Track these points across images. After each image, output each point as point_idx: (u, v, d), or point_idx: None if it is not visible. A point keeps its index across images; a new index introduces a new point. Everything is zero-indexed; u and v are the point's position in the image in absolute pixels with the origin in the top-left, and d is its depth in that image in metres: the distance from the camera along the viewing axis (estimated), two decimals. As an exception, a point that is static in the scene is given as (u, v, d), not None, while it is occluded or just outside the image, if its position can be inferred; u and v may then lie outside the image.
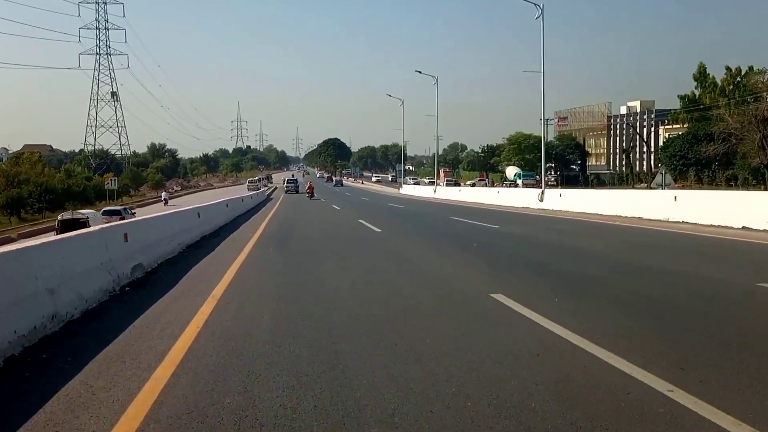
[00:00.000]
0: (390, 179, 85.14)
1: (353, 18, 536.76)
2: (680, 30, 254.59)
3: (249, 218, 25.91)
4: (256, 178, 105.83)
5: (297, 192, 66.33)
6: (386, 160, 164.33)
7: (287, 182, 74.45)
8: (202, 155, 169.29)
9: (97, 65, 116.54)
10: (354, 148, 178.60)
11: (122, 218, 29.94)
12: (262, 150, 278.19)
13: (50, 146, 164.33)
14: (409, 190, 62.71)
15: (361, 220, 22.18)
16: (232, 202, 26.65)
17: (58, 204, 50.67)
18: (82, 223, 24.20)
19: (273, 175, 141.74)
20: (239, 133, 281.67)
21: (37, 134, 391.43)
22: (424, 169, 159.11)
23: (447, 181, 78.65)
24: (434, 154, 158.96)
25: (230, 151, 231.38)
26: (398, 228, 19.49)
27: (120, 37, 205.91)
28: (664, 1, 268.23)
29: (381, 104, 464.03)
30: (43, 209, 48.53)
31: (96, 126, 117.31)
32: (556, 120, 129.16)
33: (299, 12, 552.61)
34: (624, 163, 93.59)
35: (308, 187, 54.47)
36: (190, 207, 17.17)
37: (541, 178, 31.27)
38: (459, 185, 72.55)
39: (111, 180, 56.21)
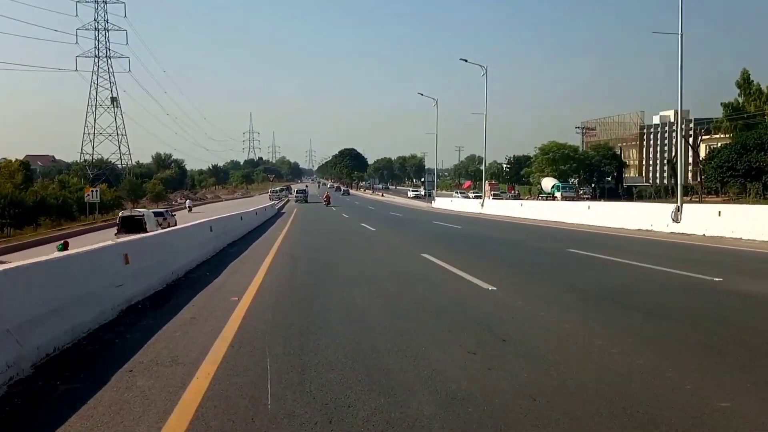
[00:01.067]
0: (423, 193, 75.27)
1: (368, 32, 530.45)
2: (709, 38, 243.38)
3: (245, 249, 16.95)
4: (278, 189, 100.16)
5: (306, 201, 72.34)
6: (404, 171, 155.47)
7: (297, 192, 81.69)
8: (211, 166, 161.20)
9: (95, 68, 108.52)
10: (369, 160, 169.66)
11: (164, 219, 32.22)
12: (274, 162, 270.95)
13: (52, 157, 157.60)
14: (444, 204, 53.31)
15: (427, 256, 13.17)
16: (222, 223, 17.69)
17: (28, 219, 42.08)
18: (138, 221, 25.93)
19: (292, 186, 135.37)
20: (251, 144, 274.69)
21: (40, 144, 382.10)
22: (444, 181, 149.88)
23: (494, 194, 69.36)
24: (455, 165, 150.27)
25: (242, 163, 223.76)
26: (515, 278, 10.23)
27: (121, 39, 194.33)
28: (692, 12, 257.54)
29: (396, 117, 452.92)
30: (7, 225, 39.82)
31: (94, 134, 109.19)
32: (584, 130, 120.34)
33: (313, 24, 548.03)
34: (668, 174, 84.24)
35: (325, 197, 65.06)
36: (102, 245, 8.04)
37: (677, 190, 22.04)
38: (519, 198, 63.10)
39: (92, 192, 47.50)
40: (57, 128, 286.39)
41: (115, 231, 25.57)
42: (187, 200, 75.65)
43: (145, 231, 23.85)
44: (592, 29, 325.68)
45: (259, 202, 60.73)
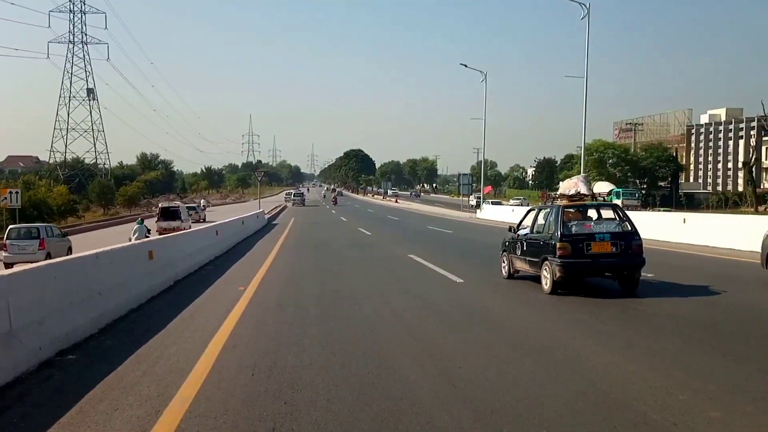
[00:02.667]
0: (476, 203, 57.61)
1: (375, 33, 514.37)
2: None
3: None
4: (292, 191, 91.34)
5: (303, 204, 71.87)
6: (414, 175, 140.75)
7: (294, 195, 78.71)
8: (204, 169, 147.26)
9: (69, 55, 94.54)
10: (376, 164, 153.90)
11: (196, 212, 41.02)
12: (274, 165, 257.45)
13: (36, 158, 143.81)
14: (498, 214, 38.91)
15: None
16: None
17: None
18: (174, 211, 31.11)
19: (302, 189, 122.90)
20: (251, 147, 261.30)
21: (25, 144, 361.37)
22: (455, 186, 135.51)
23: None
24: (471, 169, 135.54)
25: (239, 166, 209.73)
26: None
27: (99, 23, 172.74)
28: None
29: (403, 121, 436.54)
30: None
31: (67, 129, 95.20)
32: (617, 132, 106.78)
33: (315, 27, 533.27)
34: (747, 179, 70.21)
35: (333, 198, 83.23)
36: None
37: None
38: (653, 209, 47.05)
39: (9, 194, 33.62)
40: (34, 126, 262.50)
41: (156, 219, 30.55)
42: (202, 200, 75.92)
43: (180, 219, 29.59)
44: (623, 21, 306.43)
45: (248, 209, 46.74)
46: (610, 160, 72.08)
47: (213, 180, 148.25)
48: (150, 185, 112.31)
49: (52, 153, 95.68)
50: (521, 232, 10.85)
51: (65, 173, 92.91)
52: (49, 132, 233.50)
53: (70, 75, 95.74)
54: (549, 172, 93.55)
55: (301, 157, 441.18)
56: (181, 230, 24.67)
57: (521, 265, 10.63)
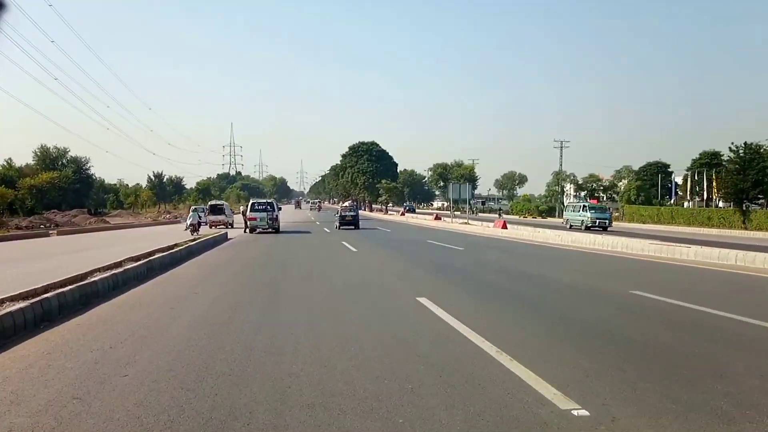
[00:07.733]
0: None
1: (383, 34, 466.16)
2: None
3: None
4: (200, 209, 48.82)
5: (277, 231, 31.76)
6: (444, 187, 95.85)
7: (252, 207, 32.62)
8: (153, 176, 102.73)
9: None
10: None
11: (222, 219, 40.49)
12: (260, 180, 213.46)
13: None
14: None
15: None
16: None
17: None
18: (220, 208, 38.68)
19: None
20: (232, 158, 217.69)
21: None
22: (519, 202, 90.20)
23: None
24: (552, 179, 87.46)
25: (213, 178, 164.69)
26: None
27: None
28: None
29: (414, 123, 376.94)
30: None
31: None
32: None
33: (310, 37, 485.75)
34: None
35: (317, 206, 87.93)
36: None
37: None
38: None
39: None
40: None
41: (207, 213, 37.63)
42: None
43: (225, 215, 37.72)
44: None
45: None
46: None
47: (165, 191, 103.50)
48: (41, 193, 67.90)
49: None
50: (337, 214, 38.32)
51: None
52: None
53: None
54: (761, 169, 48.93)
55: (290, 174, 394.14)
56: (227, 223, 36.73)
57: (336, 224, 36.07)
